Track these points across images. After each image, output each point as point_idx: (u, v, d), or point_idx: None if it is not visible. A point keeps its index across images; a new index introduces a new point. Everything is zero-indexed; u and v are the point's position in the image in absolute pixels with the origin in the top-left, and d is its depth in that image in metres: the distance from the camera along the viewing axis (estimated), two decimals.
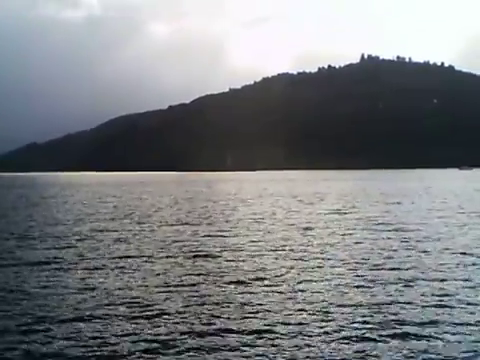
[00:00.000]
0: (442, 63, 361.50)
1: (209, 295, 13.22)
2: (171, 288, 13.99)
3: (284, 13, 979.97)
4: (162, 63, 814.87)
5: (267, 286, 14.02)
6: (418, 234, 23.64)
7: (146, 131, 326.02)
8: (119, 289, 13.97)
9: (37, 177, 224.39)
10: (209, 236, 23.87)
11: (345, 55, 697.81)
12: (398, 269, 15.95)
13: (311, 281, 14.49)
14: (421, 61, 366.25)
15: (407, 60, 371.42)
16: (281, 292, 13.38)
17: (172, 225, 28.76)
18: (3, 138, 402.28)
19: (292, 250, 19.72)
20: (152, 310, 11.97)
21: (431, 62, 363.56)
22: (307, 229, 26.00)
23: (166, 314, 11.66)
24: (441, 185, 77.83)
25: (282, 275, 15.29)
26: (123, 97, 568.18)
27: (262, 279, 14.82)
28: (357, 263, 16.93)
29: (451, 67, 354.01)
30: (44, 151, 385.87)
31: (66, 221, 31.72)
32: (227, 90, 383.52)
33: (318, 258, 17.94)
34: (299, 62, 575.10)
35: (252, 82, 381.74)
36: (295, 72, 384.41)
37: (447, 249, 19.43)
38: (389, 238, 22.56)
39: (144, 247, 21.03)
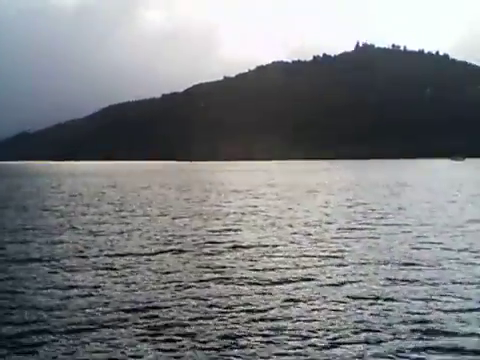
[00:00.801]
0: (437, 52, 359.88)
1: (226, 299, 11.62)
2: (182, 291, 12.41)
3: (279, 1, 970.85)
4: (155, 51, 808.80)
5: (289, 290, 12.37)
6: (440, 229, 22.11)
7: (139, 120, 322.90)
8: (123, 291, 12.43)
9: (28, 166, 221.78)
10: (213, 231, 22.17)
11: (340, 43, 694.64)
12: (431, 266, 14.48)
13: (339, 284, 12.78)
14: (416, 49, 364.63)
15: (402, 49, 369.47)
16: (307, 296, 11.80)
17: (174, 218, 27.08)
18: None
19: (307, 245, 18.17)
20: (163, 318, 10.44)
21: (426, 51, 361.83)
22: (319, 223, 24.41)
23: (179, 324, 10.09)
24: (442, 175, 76.63)
25: (304, 276, 13.63)
26: (115, 86, 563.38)
27: (282, 282, 13.10)
28: (381, 262, 15.35)
29: (446, 56, 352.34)
30: (35, 140, 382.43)
31: (61, 213, 30.07)
32: (221, 78, 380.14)
33: (338, 256, 16.27)
34: (294, 50, 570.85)
35: (246, 70, 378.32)
36: (290, 60, 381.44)
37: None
38: (407, 232, 21.10)
39: (146, 242, 19.45)
